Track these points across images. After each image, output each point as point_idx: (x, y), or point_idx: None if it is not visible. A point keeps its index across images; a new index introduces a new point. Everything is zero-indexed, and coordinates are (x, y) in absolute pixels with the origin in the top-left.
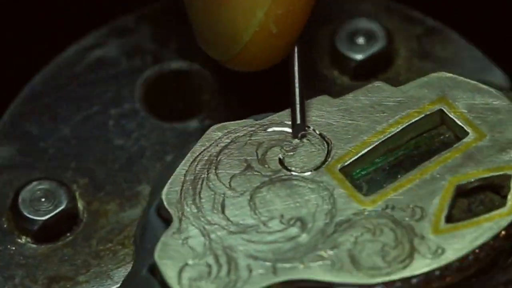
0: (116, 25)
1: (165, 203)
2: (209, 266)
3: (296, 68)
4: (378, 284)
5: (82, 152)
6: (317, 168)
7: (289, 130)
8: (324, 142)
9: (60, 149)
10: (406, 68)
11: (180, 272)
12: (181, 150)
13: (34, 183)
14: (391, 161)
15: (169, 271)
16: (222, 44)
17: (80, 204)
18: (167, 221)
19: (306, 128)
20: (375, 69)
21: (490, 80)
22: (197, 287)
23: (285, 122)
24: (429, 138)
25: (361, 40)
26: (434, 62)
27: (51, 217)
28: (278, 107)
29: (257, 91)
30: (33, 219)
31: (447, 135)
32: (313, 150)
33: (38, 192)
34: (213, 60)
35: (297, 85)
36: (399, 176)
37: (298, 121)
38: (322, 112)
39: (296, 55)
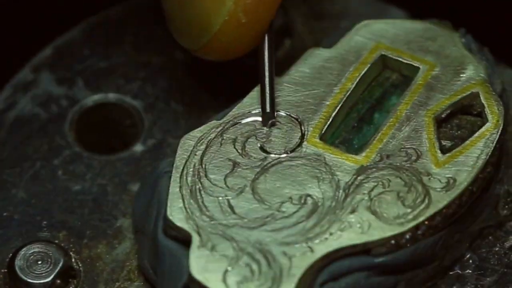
0: (16, 80)
1: (175, 223)
2: (248, 265)
3: (266, 57)
4: (409, 230)
5: (46, 208)
6: (299, 145)
7: (254, 119)
8: (293, 119)
9: (24, 212)
10: (308, 31)
11: (225, 280)
12: (139, 175)
13: (23, 250)
14: (355, 116)
15: (214, 283)
16: (192, 33)
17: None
18: (179, 240)
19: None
20: (281, 42)
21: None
22: None
23: (247, 112)
24: (379, 85)
25: None
26: (331, 18)
27: (55, 275)
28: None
29: (178, 101)
30: (39, 283)
31: (394, 77)
32: (287, 129)
33: (32, 257)
34: (129, 84)
35: (267, 74)
36: (366, 129)
37: (268, 110)
38: (276, 92)
39: (266, 44)
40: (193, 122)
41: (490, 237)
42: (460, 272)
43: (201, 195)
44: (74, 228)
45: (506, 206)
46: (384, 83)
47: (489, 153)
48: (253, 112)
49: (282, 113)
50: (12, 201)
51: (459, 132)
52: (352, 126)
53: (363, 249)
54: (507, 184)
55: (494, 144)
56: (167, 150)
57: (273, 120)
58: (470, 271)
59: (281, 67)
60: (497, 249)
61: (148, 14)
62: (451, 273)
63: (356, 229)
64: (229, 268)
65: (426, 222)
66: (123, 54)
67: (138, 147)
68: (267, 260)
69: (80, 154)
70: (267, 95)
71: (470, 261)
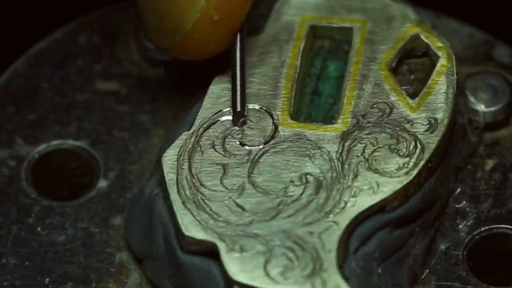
0: None
1: (195, 237)
2: (284, 254)
3: (238, 56)
4: (414, 178)
5: (42, 266)
6: (275, 131)
7: (223, 119)
8: (260, 109)
9: (22, 276)
10: None
11: (268, 275)
12: (115, 208)
13: None
14: (308, 91)
15: (259, 280)
16: (166, 31)
17: None
18: (200, 253)
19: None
20: None
21: None
22: (292, 276)
23: (213, 115)
24: (316, 55)
25: None
26: None
27: None
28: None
29: (120, 130)
30: None
31: (327, 44)
32: (258, 120)
33: None
34: (66, 127)
35: (238, 74)
36: (318, 100)
37: (239, 108)
38: (228, 90)
39: (238, 43)
40: (141, 145)
41: (468, 166)
42: (457, 206)
43: (206, 204)
44: (77, 277)
45: (474, 133)
46: (320, 52)
47: (454, 85)
48: (218, 112)
49: (248, 107)
50: (6, 269)
51: (413, 76)
52: (309, 100)
53: (379, 208)
54: (466, 114)
55: (454, 76)
56: (131, 177)
57: (244, 118)
58: (465, 203)
59: None
60: (479, 174)
61: (55, 56)
62: (448, 209)
63: (367, 191)
64: (266, 263)
65: (430, 164)
66: (46, 101)
67: (102, 183)
68: (298, 244)
69: (50, 206)
70: (238, 94)
71: (463, 193)
